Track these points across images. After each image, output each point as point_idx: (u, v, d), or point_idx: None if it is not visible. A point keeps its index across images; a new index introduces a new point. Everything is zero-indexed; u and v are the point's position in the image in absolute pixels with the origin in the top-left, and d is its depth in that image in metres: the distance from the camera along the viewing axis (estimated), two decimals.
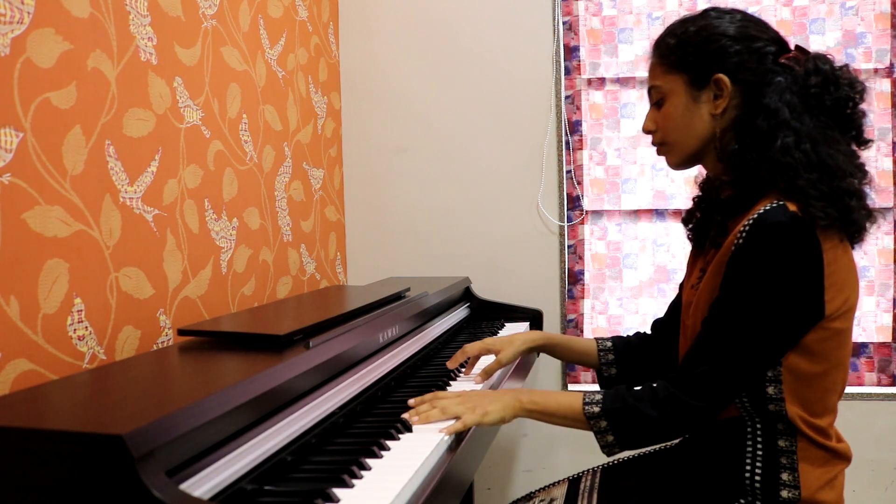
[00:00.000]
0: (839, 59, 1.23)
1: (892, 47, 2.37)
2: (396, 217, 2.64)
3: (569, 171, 2.54)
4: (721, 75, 1.23)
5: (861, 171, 1.20)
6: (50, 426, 0.83)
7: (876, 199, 2.38)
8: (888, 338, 2.41)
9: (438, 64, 2.59)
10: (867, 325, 2.42)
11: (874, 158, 2.40)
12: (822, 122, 1.18)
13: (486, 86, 2.56)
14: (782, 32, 1.30)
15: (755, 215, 1.13)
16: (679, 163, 1.32)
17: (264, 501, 0.95)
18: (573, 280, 2.56)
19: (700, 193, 1.38)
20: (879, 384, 2.41)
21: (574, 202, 2.55)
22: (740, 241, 1.14)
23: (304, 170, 2.31)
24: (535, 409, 1.25)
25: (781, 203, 1.13)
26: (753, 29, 1.25)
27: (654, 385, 1.18)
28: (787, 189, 1.14)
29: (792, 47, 1.26)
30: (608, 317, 2.57)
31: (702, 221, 1.36)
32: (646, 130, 1.34)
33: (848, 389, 2.39)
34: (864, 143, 1.24)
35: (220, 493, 0.89)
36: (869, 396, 2.38)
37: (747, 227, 1.13)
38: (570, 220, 2.56)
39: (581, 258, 2.56)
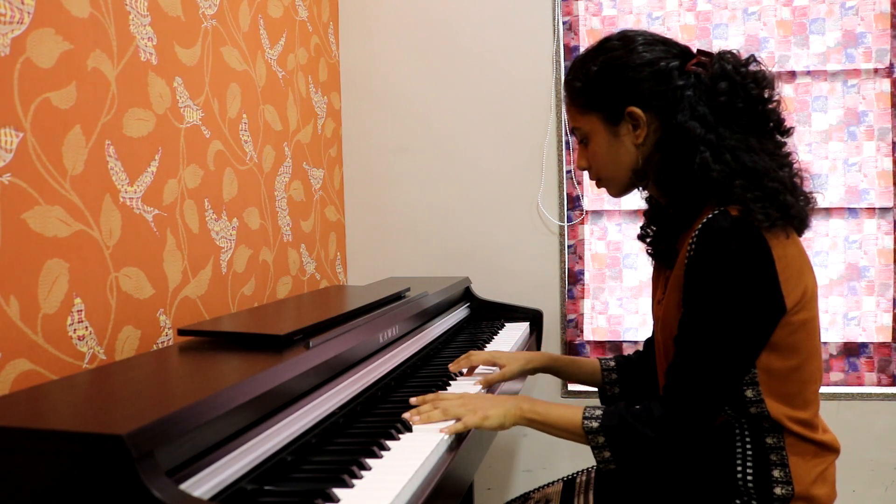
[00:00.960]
0: (759, 56, 1.23)
1: (892, 47, 2.37)
2: (396, 217, 2.64)
3: (569, 171, 2.54)
4: (633, 108, 1.24)
5: (789, 163, 1.21)
6: (50, 426, 0.83)
7: (875, 200, 2.39)
8: (888, 338, 2.41)
9: (438, 64, 2.59)
10: (867, 325, 2.42)
11: (874, 158, 2.40)
12: (740, 127, 1.18)
13: (486, 86, 2.56)
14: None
15: (700, 226, 1.15)
16: (619, 193, 1.34)
17: (264, 501, 0.95)
18: (573, 280, 2.56)
19: (647, 209, 1.40)
20: (879, 384, 2.41)
21: (574, 202, 2.55)
22: (691, 252, 1.15)
23: (304, 170, 2.31)
24: (536, 419, 1.25)
25: (723, 209, 1.14)
26: (653, 51, 1.24)
27: (650, 406, 1.18)
28: (722, 201, 1.16)
29: (694, 51, 1.26)
30: (608, 317, 2.57)
31: (657, 237, 1.36)
32: (580, 167, 1.36)
33: (848, 389, 2.41)
34: (786, 132, 1.23)
35: (220, 493, 0.90)
36: (869, 396, 2.38)
37: (695, 239, 1.15)
38: (570, 220, 2.56)
39: (581, 258, 2.56)
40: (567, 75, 1.33)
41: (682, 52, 1.26)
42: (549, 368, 1.60)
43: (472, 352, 1.58)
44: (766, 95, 1.20)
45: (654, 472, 1.24)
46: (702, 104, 1.19)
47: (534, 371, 1.60)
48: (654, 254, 1.38)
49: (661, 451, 1.17)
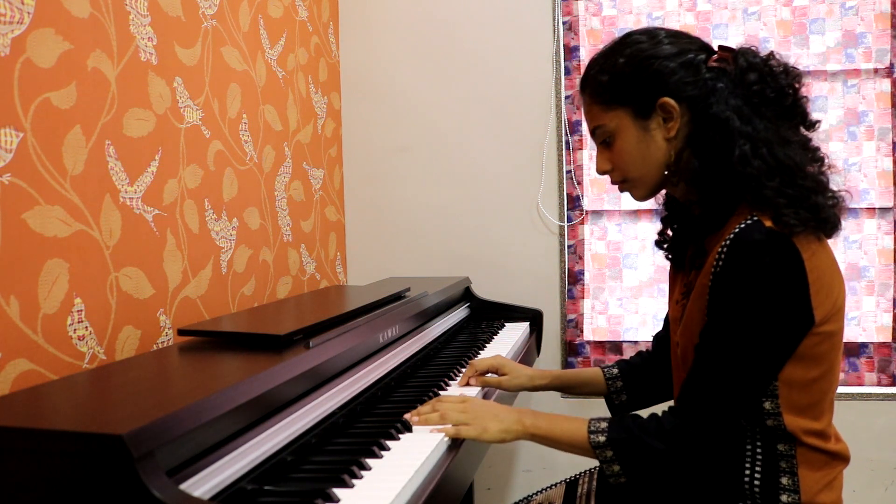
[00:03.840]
0: (777, 52, 1.21)
1: (892, 47, 2.37)
2: (396, 217, 2.64)
3: (569, 171, 2.54)
4: (666, 98, 1.19)
5: (818, 158, 1.18)
6: (50, 426, 0.83)
7: (875, 200, 2.39)
8: (888, 338, 2.41)
9: (438, 64, 2.59)
10: (867, 325, 2.42)
11: (874, 158, 2.40)
12: (770, 120, 1.16)
13: (487, 86, 2.56)
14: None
15: (731, 235, 1.11)
16: (646, 195, 1.29)
17: (264, 501, 0.95)
18: (573, 280, 2.56)
19: (666, 213, 1.36)
20: (879, 384, 2.41)
21: (574, 202, 2.55)
22: (720, 262, 1.12)
23: (304, 170, 2.31)
24: (538, 434, 1.22)
25: (756, 219, 1.11)
26: (680, 42, 1.22)
27: (660, 417, 1.16)
28: (755, 201, 1.12)
29: (715, 48, 1.24)
30: (608, 317, 2.57)
31: (676, 240, 1.33)
32: (601, 172, 1.29)
33: (848, 389, 2.41)
34: (812, 125, 1.20)
35: (220, 493, 0.90)
36: (869, 396, 2.38)
37: (725, 248, 1.11)
38: (570, 220, 2.56)
39: (581, 258, 2.56)
40: (589, 71, 1.27)
41: (704, 46, 1.24)
42: (553, 387, 1.56)
43: (475, 360, 1.54)
44: (796, 86, 1.18)
45: (666, 485, 1.19)
46: (735, 96, 1.16)
47: (536, 389, 1.55)
48: (676, 258, 1.34)
49: (671, 464, 1.14)
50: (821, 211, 1.12)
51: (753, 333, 1.10)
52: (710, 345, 1.13)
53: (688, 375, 1.17)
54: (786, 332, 1.11)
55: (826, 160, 1.19)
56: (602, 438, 1.16)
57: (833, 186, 1.18)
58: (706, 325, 1.15)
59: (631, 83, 1.21)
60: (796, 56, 2.42)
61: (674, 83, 1.19)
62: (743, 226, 1.11)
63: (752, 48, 1.20)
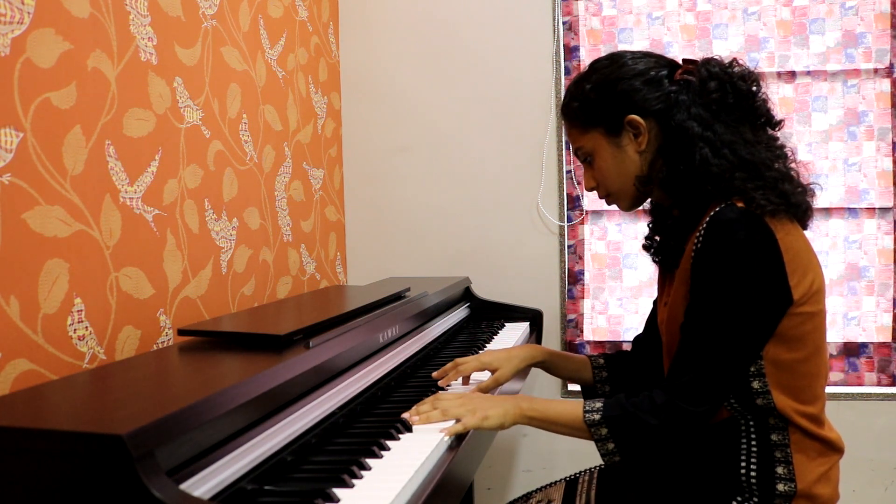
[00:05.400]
0: (741, 57, 1.29)
1: (892, 47, 2.37)
2: (396, 217, 2.64)
3: (569, 171, 2.54)
4: (632, 115, 1.28)
5: (784, 155, 1.25)
6: (50, 426, 0.83)
7: (875, 200, 2.39)
8: (888, 338, 2.41)
9: (438, 64, 2.59)
10: (867, 325, 2.42)
11: (874, 158, 2.40)
12: (732, 124, 1.23)
13: (486, 86, 2.56)
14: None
15: (707, 220, 1.17)
16: (630, 206, 1.37)
17: (264, 501, 0.95)
18: (573, 280, 2.56)
19: (652, 219, 1.42)
20: (879, 384, 2.41)
21: (574, 202, 2.55)
22: (698, 244, 1.18)
23: (304, 170, 2.31)
24: (536, 417, 1.25)
25: (729, 202, 1.17)
26: (641, 62, 1.30)
27: (651, 394, 1.19)
28: (724, 194, 1.19)
29: (680, 62, 1.31)
30: (608, 317, 2.57)
31: (662, 244, 1.38)
32: (588, 188, 1.39)
33: (848, 389, 2.41)
34: (777, 124, 1.28)
35: (220, 493, 0.90)
36: (869, 396, 2.38)
37: (702, 231, 1.17)
38: (570, 220, 2.56)
39: (581, 258, 2.56)
40: (565, 99, 1.38)
41: (669, 63, 1.32)
42: (543, 364, 1.57)
43: (458, 360, 1.48)
44: (753, 89, 1.25)
45: (659, 461, 1.25)
46: (696, 105, 1.24)
47: (527, 367, 1.57)
48: (661, 259, 1.39)
49: (664, 438, 1.18)
50: (790, 197, 1.19)
51: (733, 306, 1.15)
52: (693, 321, 1.18)
53: (675, 353, 1.21)
54: (764, 305, 1.15)
55: (792, 155, 1.27)
56: (597, 417, 1.20)
57: (802, 181, 1.25)
58: (689, 304, 1.20)
59: (599, 106, 1.31)
60: (796, 56, 2.42)
61: (639, 100, 1.27)
62: (718, 209, 1.17)
63: (716, 57, 1.28)
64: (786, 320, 1.16)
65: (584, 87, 1.33)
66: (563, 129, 1.39)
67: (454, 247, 2.60)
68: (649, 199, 1.39)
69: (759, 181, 1.18)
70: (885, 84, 2.38)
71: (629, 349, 1.60)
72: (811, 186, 1.25)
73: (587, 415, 1.21)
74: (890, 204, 2.39)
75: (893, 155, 2.39)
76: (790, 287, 1.15)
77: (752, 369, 1.18)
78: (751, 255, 1.14)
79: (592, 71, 1.34)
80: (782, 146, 1.26)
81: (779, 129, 1.28)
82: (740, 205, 1.16)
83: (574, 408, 1.24)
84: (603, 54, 1.39)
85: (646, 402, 1.19)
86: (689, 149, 1.22)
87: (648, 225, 1.43)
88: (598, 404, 1.22)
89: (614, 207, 2.56)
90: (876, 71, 2.39)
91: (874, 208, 2.40)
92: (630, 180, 1.32)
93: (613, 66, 1.31)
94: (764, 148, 1.23)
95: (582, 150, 1.36)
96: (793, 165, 1.25)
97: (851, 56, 2.40)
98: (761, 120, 1.26)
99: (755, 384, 1.18)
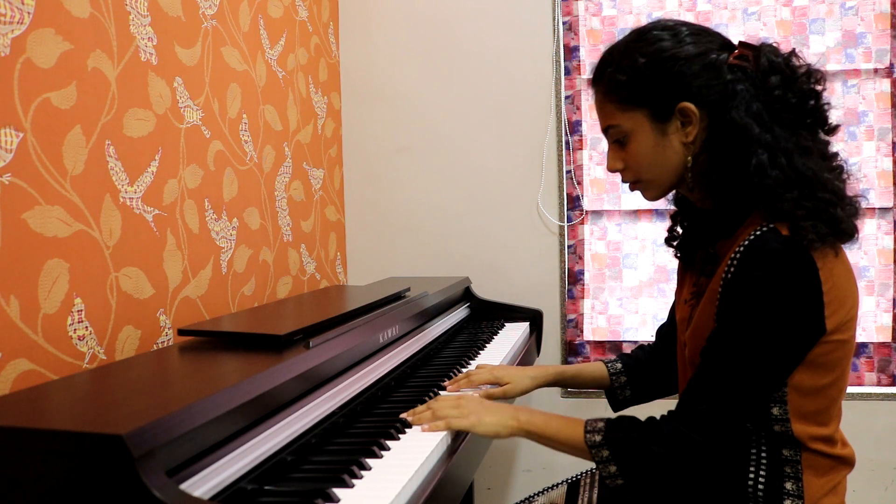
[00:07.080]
0: (799, 50, 1.17)
1: (892, 47, 2.37)
2: (396, 217, 2.64)
3: (569, 171, 2.54)
4: (686, 103, 1.14)
5: (839, 167, 1.15)
6: (50, 426, 0.83)
7: (874, 200, 2.38)
8: (888, 338, 2.41)
9: (439, 64, 2.59)
10: (867, 325, 2.42)
11: (874, 158, 2.40)
12: (790, 126, 1.12)
13: (486, 86, 2.56)
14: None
15: (745, 242, 1.09)
16: (658, 196, 1.26)
17: (264, 501, 0.95)
18: (573, 280, 2.56)
19: (676, 209, 1.33)
20: (879, 384, 2.41)
21: (574, 202, 2.55)
22: (732, 268, 1.09)
23: (304, 170, 2.31)
24: (534, 432, 1.19)
25: (771, 226, 1.08)
26: (702, 41, 1.17)
27: (658, 420, 1.13)
28: (771, 211, 1.09)
29: (736, 43, 1.19)
30: (608, 317, 2.57)
31: (686, 238, 1.31)
32: (612, 170, 1.24)
33: (848, 389, 2.39)
34: (832, 130, 1.16)
35: (220, 493, 0.90)
36: (869, 396, 2.38)
37: (739, 254, 1.09)
38: (570, 220, 2.56)
39: (581, 258, 2.56)
40: (604, 67, 1.21)
41: (725, 43, 1.19)
42: (556, 383, 1.54)
43: (471, 371, 1.49)
44: (817, 91, 1.14)
45: (664, 489, 1.15)
46: (755, 100, 1.11)
47: (538, 387, 1.53)
48: (683, 257, 1.32)
49: (670, 468, 1.10)
50: (840, 223, 1.09)
51: (762, 342, 1.07)
52: (717, 350, 1.10)
53: (691, 380, 1.14)
54: (795, 341, 1.08)
55: (845, 165, 1.16)
56: (598, 438, 1.13)
57: (849, 192, 1.15)
58: (715, 329, 1.12)
59: (651, 85, 1.16)
60: None
61: (695, 87, 1.14)
62: (758, 233, 1.08)
63: (775, 44, 1.15)
64: (816, 348, 1.09)
65: (635, 59, 1.16)
66: (594, 99, 1.22)
67: (454, 247, 2.60)
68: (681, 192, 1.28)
69: (810, 202, 1.07)
70: (885, 84, 2.38)
71: (642, 344, 1.55)
72: (858, 200, 1.14)
73: (588, 435, 1.14)
74: (890, 204, 2.39)
75: (893, 155, 2.39)
76: (825, 319, 1.07)
77: (774, 395, 1.11)
78: (788, 292, 1.05)
79: (645, 42, 1.17)
80: (836, 154, 1.15)
81: (833, 135, 1.16)
82: (785, 233, 1.07)
83: (575, 426, 1.17)
84: (647, 21, 1.19)
85: (651, 429, 1.12)
86: (744, 151, 1.10)
87: (672, 216, 1.34)
88: (601, 424, 1.15)
89: (614, 207, 2.60)
90: (876, 71, 2.39)
91: (874, 208, 2.40)
92: (669, 172, 1.19)
93: (673, 41, 1.15)
94: (818, 157, 1.12)
95: (616, 129, 1.20)
96: (845, 177, 1.14)
97: (851, 56, 2.40)
98: (817, 123, 1.15)
99: (775, 410, 1.12)
